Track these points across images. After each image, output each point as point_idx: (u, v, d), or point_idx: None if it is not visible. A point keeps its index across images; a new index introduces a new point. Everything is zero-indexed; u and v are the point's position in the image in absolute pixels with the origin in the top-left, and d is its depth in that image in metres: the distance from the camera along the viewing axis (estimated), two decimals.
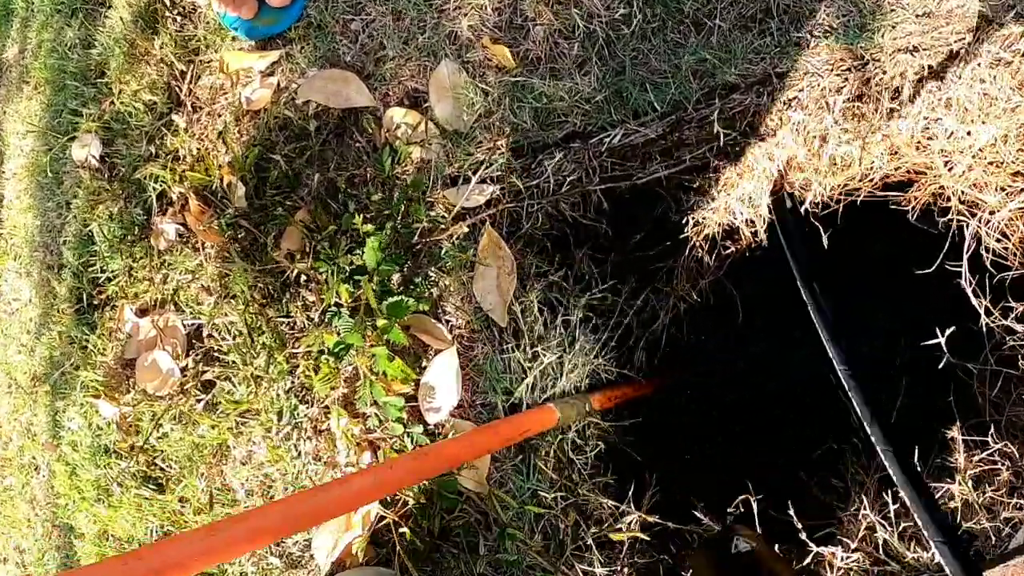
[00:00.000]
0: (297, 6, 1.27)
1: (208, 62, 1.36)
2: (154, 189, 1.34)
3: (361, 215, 1.08)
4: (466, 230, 1.06)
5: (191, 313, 1.28)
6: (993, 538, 1.09)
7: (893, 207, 1.32)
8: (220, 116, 1.31)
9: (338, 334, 1.08)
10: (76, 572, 0.79)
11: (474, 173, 1.07)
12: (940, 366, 1.22)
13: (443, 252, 1.07)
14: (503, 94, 1.09)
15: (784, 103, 1.10)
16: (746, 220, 1.21)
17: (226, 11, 1.28)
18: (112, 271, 1.42)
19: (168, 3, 1.43)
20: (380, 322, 1.04)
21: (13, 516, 1.85)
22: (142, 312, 1.36)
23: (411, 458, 0.89)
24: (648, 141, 1.06)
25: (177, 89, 1.37)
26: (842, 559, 1.10)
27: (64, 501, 1.58)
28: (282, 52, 1.27)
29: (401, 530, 1.08)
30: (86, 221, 1.51)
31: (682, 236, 1.22)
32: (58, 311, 1.59)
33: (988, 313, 1.21)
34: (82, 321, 1.51)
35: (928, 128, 1.24)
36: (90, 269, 1.48)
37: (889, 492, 1.15)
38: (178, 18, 1.42)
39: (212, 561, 0.65)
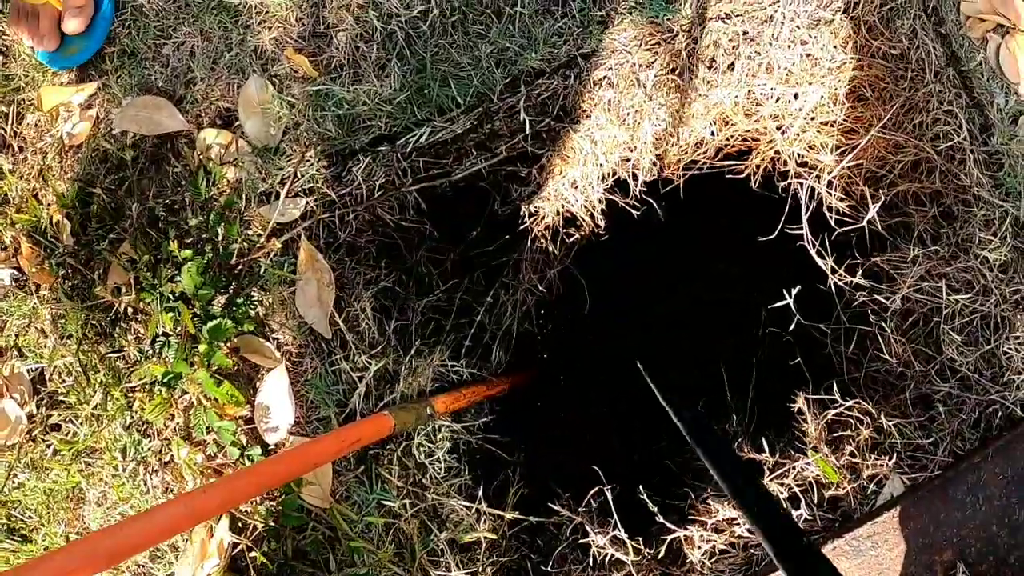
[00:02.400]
0: (98, 31, 1.23)
1: (30, 101, 1.33)
2: None
3: (178, 241, 1.06)
4: (281, 246, 1.05)
5: (33, 358, 1.25)
6: (859, 497, 1.10)
7: (730, 176, 1.33)
8: (45, 154, 1.28)
9: (167, 363, 1.05)
10: None
11: (284, 187, 1.05)
12: (791, 328, 1.24)
13: (262, 270, 1.06)
14: (307, 105, 1.07)
15: (594, 83, 1.10)
16: (582, 206, 1.21)
17: (32, 44, 1.25)
18: None
19: None
20: (203, 347, 1.02)
21: None
22: None
23: (223, 483, 0.87)
24: (457, 136, 1.06)
25: (1, 130, 1.33)
26: (700, 538, 1.10)
27: None
28: (98, 83, 1.24)
29: (252, 554, 1.06)
30: None
31: (521, 228, 1.22)
32: None
33: (834, 272, 1.23)
34: None
35: (752, 94, 1.25)
36: None
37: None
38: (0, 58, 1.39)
39: None
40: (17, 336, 1.28)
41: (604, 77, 1.11)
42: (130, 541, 0.79)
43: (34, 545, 1.28)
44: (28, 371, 1.27)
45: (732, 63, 1.20)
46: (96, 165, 1.20)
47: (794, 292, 1.17)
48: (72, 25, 1.18)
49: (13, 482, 1.28)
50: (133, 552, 0.81)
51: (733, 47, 1.18)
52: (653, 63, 1.12)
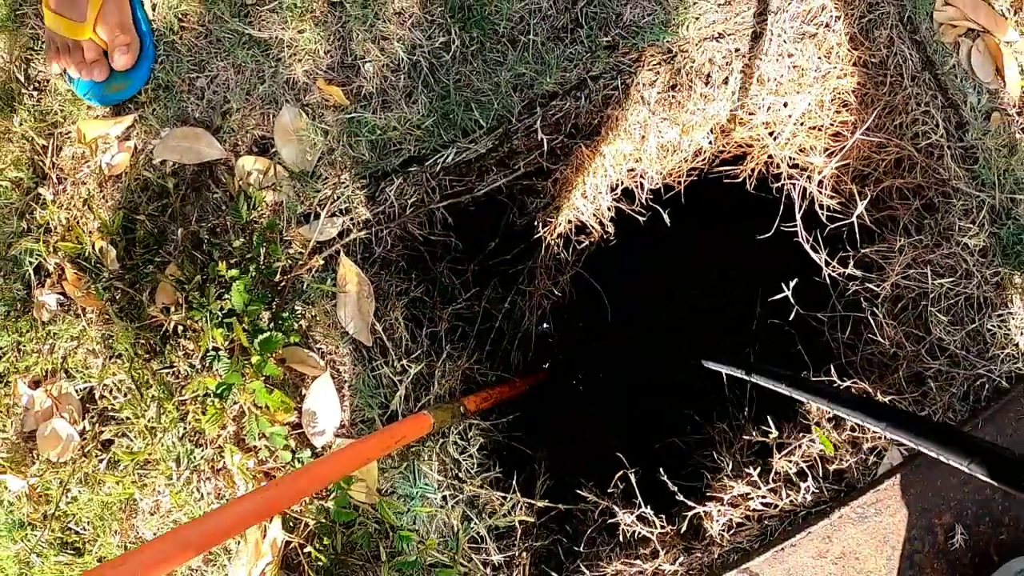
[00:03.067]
0: (144, 68, 1.31)
1: (67, 134, 1.40)
2: (30, 263, 1.37)
3: (224, 262, 1.14)
4: (322, 262, 1.13)
5: (81, 378, 1.32)
6: (861, 468, 1.17)
7: (728, 181, 1.42)
8: (84, 184, 1.35)
9: (218, 376, 1.13)
10: None
11: (323, 208, 1.14)
12: (790, 318, 1.32)
13: (305, 285, 1.14)
14: (340, 131, 1.16)
15: (602, 102, 1.20)
16: (592, 215, 1.30)
17: (79, 76, 1.32)
18: (1, 349, 1.45)
19: (23, 79, 1.46)
20: (254, 359, 1.10)
21: None
22: (35, 384, 1.39)
23: (289, 479, 0.95)
24: (480, 156, 1.14)
25: (41, 163, 1.40)
26: (718, 513, 1.18)
27: None
28: (135, 116, 1.31)
29: (307, 550, 1.14)
30: None
31: (535, 237, 1.31)
32: None
33: (828, 264, 1.32)
34: None
35: (746, 105, 1.35)
36: None
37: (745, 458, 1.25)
38: (35, 93, 1.46)
39: None
40: (65, 358, 1.36)
41: (611, 96, 1.20)
42: (214, 530, 0.87)
43: (89, 556, 1.34)
44: (77, 390, 1.34)
45: (725, 77, 1.29)
46: (138, 193, 1.28)
47: (792, 285, 1.26)
48: (121, 61, 1.25)
49: (67, 496, 1.35)
50: (216, 541, 0.89)
51: (726, 63, 1.28)
52: (655, 81, 1.22)
